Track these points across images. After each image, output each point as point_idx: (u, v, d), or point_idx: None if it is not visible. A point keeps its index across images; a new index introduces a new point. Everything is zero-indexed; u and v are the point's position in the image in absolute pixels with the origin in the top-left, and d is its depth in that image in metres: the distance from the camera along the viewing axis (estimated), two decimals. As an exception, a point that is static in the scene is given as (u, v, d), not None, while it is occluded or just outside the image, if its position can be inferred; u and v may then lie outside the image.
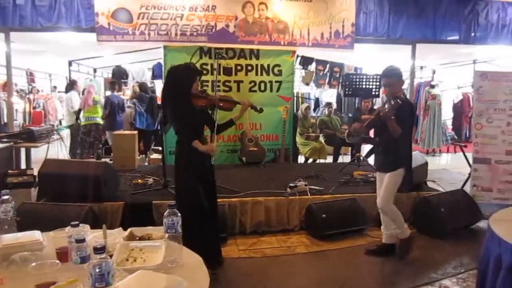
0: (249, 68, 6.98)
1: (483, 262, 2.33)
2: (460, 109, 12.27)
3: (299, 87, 10.67)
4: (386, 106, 3.71)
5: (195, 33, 6.56)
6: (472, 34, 7.95)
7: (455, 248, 4.26)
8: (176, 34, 6.50)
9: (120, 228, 2.26)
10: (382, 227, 4.08)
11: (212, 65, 6.69)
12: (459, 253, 4.11)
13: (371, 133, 4.21)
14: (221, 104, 3.66)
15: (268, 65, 7.03)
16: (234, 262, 3.81)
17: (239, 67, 6.94)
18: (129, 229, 2.12)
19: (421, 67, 11.81)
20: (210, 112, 3.72)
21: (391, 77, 3.84)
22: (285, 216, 4.65)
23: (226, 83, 6.86)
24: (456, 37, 8.00)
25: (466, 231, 4.64)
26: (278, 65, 7.06)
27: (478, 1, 7.75)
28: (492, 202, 5.25)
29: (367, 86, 6.57)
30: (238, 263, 3.81)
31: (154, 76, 8.74)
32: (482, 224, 4.66)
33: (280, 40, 6.86)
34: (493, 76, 5.49)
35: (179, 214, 1.90)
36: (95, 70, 11.67)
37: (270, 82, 7.07)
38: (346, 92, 6.88)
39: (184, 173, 3.37)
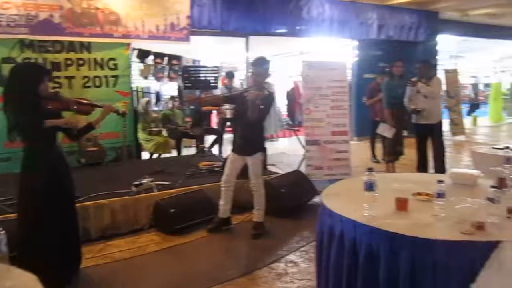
0: (81, 62, 6.49)
1: (319, 233, 2.54)
2: (292, 96, 13.33)
3: (138, 82, 10.34)
4: (251, 93, 3.94)
5: (12, 24, 5.82)
6: (297, 28, 8.68)
7: (296, 224, 4.62)
8: (-12, 25, 5.71)
9: None
10: (256, 207, 4.31)
11: (36, 59, 6.03)
12: (300, 228, 4.48)
13: (215, 124, 4.35)
14: (75, 107, 3.28)
15: (102, 59, 6.64)
16: (81, 272, 3.53)
17: (69, 62, 6.40)
18: None
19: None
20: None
21: (261, 67, 4.07)
22: (132, 216, 4.47)
23: (56, 79, 6.24)
24: (284, 30, 8.64)
25: (305, 208, 5.05)
26: (113, 59, 6.72)
27: (300, -3, 8.49)
28: (323, 178, 5.82)
29: (206, 78, 6.67)
30: (85, 273, 3.53)
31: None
32: (317, 199, 5.12)
33: (113, 32, 6.52)
34: (317, 65, 6.08)
35: (3, 231, 1.67)
36: None
37: (106, 77, 6.70)
38: (186, 85, 6.89)
39: (30, 180, 3.00)
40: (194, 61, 8.29)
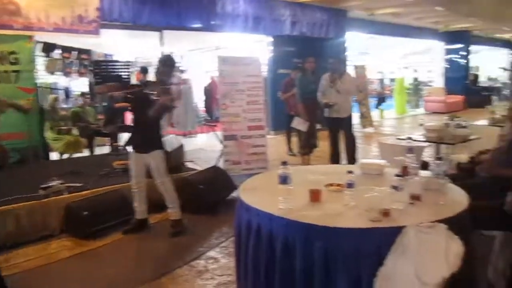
0: (-24, 56, 5.94)
1: (237, 228, 2.56)
2: (209, 92, 13.26)
3: (45, 77, 9.69)
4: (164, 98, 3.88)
5: None
6: (212, 23, 8.63)
7: (216, 220, 4.62)
8: None
9: None
10: (169, 205, 4.23)
11: None
12: (220, 224, 4.48)
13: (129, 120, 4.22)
14: None
15: (2, 52, 6.11)
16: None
17: (-38, 55, 5.83)
18: None
19: (170, 53, 12.20)
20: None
21: (165, 65, 4.09)
22: (40, 222, 4.17)
23: None
24: (199, 25, 8.54)
25: (224, 203, 5.06)
26: (14, 53, 6.22)
27: (214, -8, 8.43)
28: (242, 173, 5.87)
29: (118, 73, 6.42)
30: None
31: None
32: (236, 194, 5.16)
33: (12, 23, 6.02)
34: (233, 61, 6.10)
35: None
36: None
37: (6, 72, 6.19)
38: (97, 80, 6.57)
39: None
40: (106, 55, 7.94)
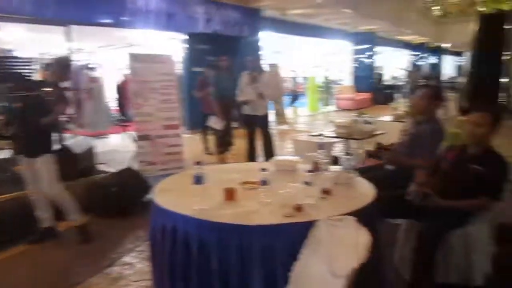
0: None
1: (152, 231, 2.48)
2: (122, 90, 12.74)
3: None
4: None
5: None
6: (123, 18, 8.29)
7: (130, 224, 4.44)
8: None
9: None
10: (67, 214, 3.96)
11: None
12: (135, 227, 4.31)
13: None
14: None
15: None
16: None
17: None
18: None
19: (79, 50, 11.57)
20: None
21: (57, 66, 3.88)
22: None
23: None
24: (109, 20, 8.17)
25: (139, 206, 4.88)
26: None
27: (124, -14, 8.10)
28: (157, 174, 5.70)
29: (18, 71, 5.93)
30: None
31: None
32: (151, 196, 5.01)
33: None
34: (145, 58, 5.90)
35: None
36: None
37: None
38: (-6, 78, 6.02)
39: None
40: (5, 51, 7.30)
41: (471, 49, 15.34)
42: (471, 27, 15.97)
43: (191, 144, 8.23)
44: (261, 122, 6.20)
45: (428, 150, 3.54)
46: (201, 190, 2.23)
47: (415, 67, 16.87)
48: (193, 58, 10.43)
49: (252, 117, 6.10)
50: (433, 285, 2.75)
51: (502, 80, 13.50)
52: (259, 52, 11.89)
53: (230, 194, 2.35)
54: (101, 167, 5.76)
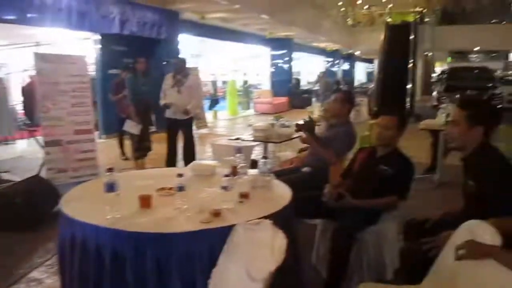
0: None
1: (61, 243, 2.33)
2: (30, 92, 11.87)
3: None
4: None
5: None
6: (29, 15, 7.74)
7: (38, 236, 4.12)
8: None
9: None
10: None
11: None
12: (44, 240, 4.01)
13: None
14: None
15: None
16: None
17: None
18: None
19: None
20: None
21: None
22: None
23: None
24: (13, 17, 7.58)
25: (49, 216, 4.57)
26: None
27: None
28: (69, 181, 5.38)
29: None
30: None
31: None
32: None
33: None
34: (53, 58, 5.56)
35: None
36: None
37: None
38: None
39: None
40: None
41: (380, 56, 16.39)
42: (380, 36, 17.08)
43: (107, 149, 7.89)
44: (184, 126, 6.09)
45: (341, 151, 3.72)
46: (113, 198, 2.12)
47: (324, 73, 17.75)
48: (108, 59, 10.01)
49: (174, 120, 5.97)
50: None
51: (407, 86, 14.51)
52: (179, 55, 11.72)
53: (145, 202, 2.26)
54: (5, 176, 5.30)
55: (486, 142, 2.32)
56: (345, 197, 2.86)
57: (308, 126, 3.77)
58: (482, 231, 1.83)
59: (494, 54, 34.00)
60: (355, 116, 8.81)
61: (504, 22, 24.14)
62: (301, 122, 3.84)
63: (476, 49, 28.08)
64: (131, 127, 6.18)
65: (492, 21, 24.54)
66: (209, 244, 1.98)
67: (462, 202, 2.52)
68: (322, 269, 3.15)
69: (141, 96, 6.07)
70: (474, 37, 21.12)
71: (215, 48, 17.31)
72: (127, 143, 7.25)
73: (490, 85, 14.39)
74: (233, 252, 1.90)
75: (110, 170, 2.13)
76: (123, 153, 7.59)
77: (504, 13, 24.81)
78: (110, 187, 2.11)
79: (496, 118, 2.45)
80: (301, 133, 3.90)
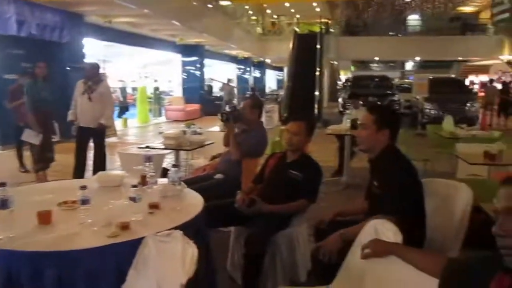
0: None
1: None
2: None
3: None
4: None
5: None
6: None
7: None
8: None
9: None
10: None
11: None
12: None
13: None
14: None
15: None
16: None
17: None
18: None
19: None
20: None
21: None
22: None
23: None
24: None
25: None
26: None
27: None
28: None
29: None
30: None
31: None
32: None
33: None
34: None
35: None
36: None
37: None
38: None
39: None
40: None
41: (289, 64, 16.96)
42: (288, 45, 17.68)
43: (4, 161, 7.26)
44: (95, 134, 5.77)
45: (249, 151, 3.77)
46: (6, 215, 1.92)
47: (229, 80, 18.04)
48: (4, 63, 9.23)
49: (85, 128, 5.64)
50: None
51: (315, 93, 15.17)
52: (83, 60, 11.13)
53: (44, 218, 2.08)
54: None
55: (391, 144, 2.47)
56: (257, 203, 2.88)
57: (236, 114, 3.80)
58: (386, 230, 1.94)
59: (392, 64, 36.79)
60: (266, 122, 8.99)
61: (400, 35, 26.19)
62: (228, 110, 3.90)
63: (376, 58, 30.14)
64: (31, 136, 5.72)
65: (389, 34, 26.49)
66: (117, 259, 1.87)
67: (360, 203, 2.68)
68: (237, 277, 3.14)
69: (41, 103, 5.66)
70: (374, 48, 22.67)
71: (124, 53, 16.74)
72: (27, 154, 6.72)
73: (389, 92, 15.51)
74: (142, 266, 1.81)
75: (2, 185, 1.93)
76: (22, 165, 7.00)
77: (399, 27, 26.94)
78: (3, 204, 1.91)
79: (399, 122, 2.64)
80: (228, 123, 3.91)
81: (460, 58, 24.86)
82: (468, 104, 13.34)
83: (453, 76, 25.87)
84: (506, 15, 18.69)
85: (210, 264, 2.41)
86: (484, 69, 28.43)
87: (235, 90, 19.03)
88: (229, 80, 18.39)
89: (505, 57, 21.04)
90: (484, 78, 27.45)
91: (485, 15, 24.73)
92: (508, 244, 1.13)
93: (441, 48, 21.69)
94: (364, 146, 2.51)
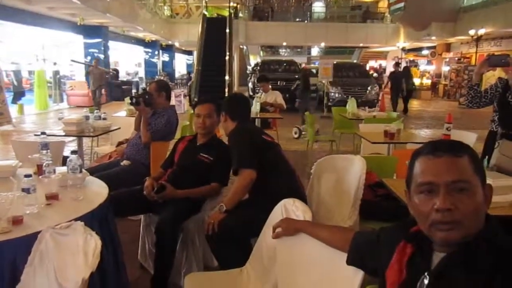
0: None
1: None
2: None
3: None
4: None
5: None
6: None
7: None
8: None
9: None
10: None
11: None
12: None
13: None
14: None
15: None
16: None
17: None
18: None
19: None
20: None
21: None
22: None
23: None
24: None
25: None
26: None
27: None
28: None
29: None
30: None
31: None
32: None
33: None
34: None
35: None
36: None
37: None
38: None
39: None
40: None
41: (198, 48, 16.72)
42: (198, 29, 17.39)
43: None
44: None
45: (158, 133, 3.65)
46: None
47: (96, 61, 14.85)
48: None
49: None
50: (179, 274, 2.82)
51: (225, 77, 15.14)
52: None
53: None
54: None
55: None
56: (167, 188, 2.78)
57: (146, 98, 3.66)
58: (295, 208, 1.97)
59: (299, 50, 37.84)
60: (176, 107, 8.79)
61: (306, 21, 26.97)
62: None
63: (284, 44, 30.77)
64: None
65: (296, 20, 27.12)
66: (10, 257, 1.70)
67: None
68: (149, 266, 3.04)
69: None
70: (282, 33, 23.08)
71: (17, 33, 15.30)
72: None
73: (297, 76, 15.95)
74: (39, 263, 1.66)
75: None
76: None
77: (305, 14, 27.69)
78: None
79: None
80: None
81: (361, 45, 26.20)
82: (369, 88, 14.21)
83: (355, 61, 27.32)
84: (401, 4, 20.01)
85: (117, 256, 2.28)
86: (382, 56, 30.41)
87: (107, 75, 15.83)
88: (96, 61, 14.84)
89: (401, 44, 22.61)
90: (383, 63, 29.40)
91: (383, 4, 26.28)
92: (455, 219, 1.03)
93: (344, 35, 22.73)
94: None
